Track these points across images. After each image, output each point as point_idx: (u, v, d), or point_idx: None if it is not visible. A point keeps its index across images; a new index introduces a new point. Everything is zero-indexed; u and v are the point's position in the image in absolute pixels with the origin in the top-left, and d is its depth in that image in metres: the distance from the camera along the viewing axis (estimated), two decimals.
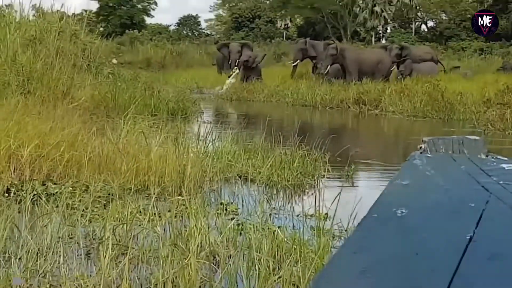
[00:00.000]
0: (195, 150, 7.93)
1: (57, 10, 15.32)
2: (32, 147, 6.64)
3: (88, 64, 13.97)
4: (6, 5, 16.16)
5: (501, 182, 1.77)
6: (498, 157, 2.14)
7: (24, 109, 7.89)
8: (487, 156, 2.15)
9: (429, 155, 2.16)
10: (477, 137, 2.22)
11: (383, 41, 71.60)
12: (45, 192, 6.03)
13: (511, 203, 1.60)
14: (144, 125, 8.89)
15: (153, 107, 14.39)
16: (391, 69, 27.23)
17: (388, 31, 78.34)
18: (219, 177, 7.55)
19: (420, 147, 2.22)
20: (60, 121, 7.84)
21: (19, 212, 5.38)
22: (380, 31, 77.00)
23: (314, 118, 20.09)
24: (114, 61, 18.30)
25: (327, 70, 25.43)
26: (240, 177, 7.81)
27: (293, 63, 30.56)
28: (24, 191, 5.84)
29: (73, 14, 16.88)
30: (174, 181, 6.86)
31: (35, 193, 5.88)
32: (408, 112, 18.79)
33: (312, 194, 7.61)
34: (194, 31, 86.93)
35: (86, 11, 18.46)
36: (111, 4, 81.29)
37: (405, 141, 14.55)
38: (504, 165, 2.00)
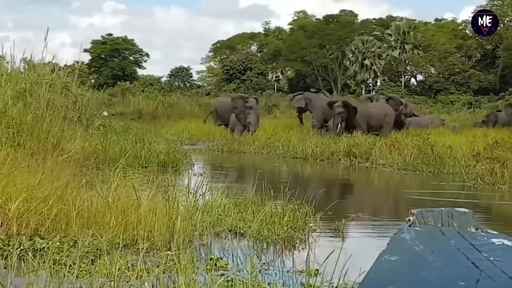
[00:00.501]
0: (185, 203, 7.89)
1: (49, 62, 15.32)
2: (20, 201, 6.57)
3: (79, 116, 13.98)
4: None
5: (491, 259, 1.75)
6: (488, 231, 2.12)
7: (13, 162, 7.82)
8: (476, 229, 2.13)
9: (418, 229, 2.13)
10: (466, 210, 2.20)
11: (373, 94, 72.19)
12: (32, 247, 5.94)
13: (502, 282, 1.57)
14: (134, 177, 8.84)
15: (144, 159, 14.38)
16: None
17: (378, 84, 79.08)
18: (209, 232, 7.50)
19: (409, 220, 2.20)
20: (49, 174, 7.79)
21: (5, 268, 5.29)
22: (370, 84, 77.72)
23: (305, 170, 20.07)
24: (105, 113, 18.32)
25: (338, 129, 25.40)
26: (230, 231, 7.77)
27: (297, 115, 31.35)
28: (11, 246, 5.76)
29: (64, 65, 16.94)
30: (163, 235, 6.80)
31: (22, 248, 5.79)
32: (398, 165, 18.81)
33: (302, 248, 7.56)
34: (185, 82, 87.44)
35: (78, 62, 18.49)
36: (103, 56, 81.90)
37: (396, 195, 14.54)
38: (494, 240, 1.98)
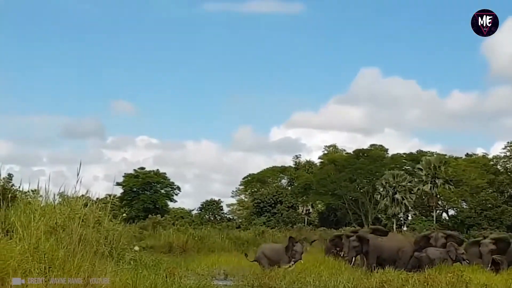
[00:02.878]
0: None
1: (82, 196, 15.55)
2: None
3: (110, 251, 14.01)
4: (32, 191, 16.46)
5: None
6: None
7: None
8: None
9: None
10: None
11: (404, 228, 71.57)
12: None
13: None
14: None
15: None
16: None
17: (409, 218, 78.56)
18: None
19: None
20: None
21: None
22: (402, 218, 77.22)
23: None
24: (136, 248, 18.32)
25: (352, 262, 25.24)
26: None
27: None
28: None
29: (97, 199, 17.17)
30: None
31: None
32: None
33: None
34: (216, 215, 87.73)
35: (110, 195, 18.75)
36: (135, 189, 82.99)
37: None
38: None
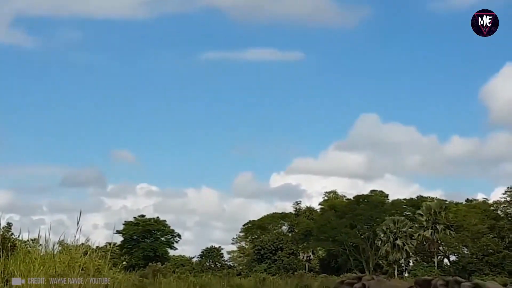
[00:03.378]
0: None
1: (82, 244, 15.59)
2: None
3: None
4: (32, 240, 16.50)
5: None
6: None
7: None
8: None
9: None
10: None
11: (406, 274, 71.13)
12: None
13: None
14: None
15: None
16: None
17: (411, 264, 78.10)
18: None
19: None
20: None
21: None
22: (403, 264, 76.77)
23: None
24: None
25: None
26: None
27: None
28: None
29: (97, 247, 17.20)
30: None
31: None
32: None
33: None
34: (216, 262, 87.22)
35: (110, 244, 18.83)
36: (135, 237, 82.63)
37: None
38: None
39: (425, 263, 73.77)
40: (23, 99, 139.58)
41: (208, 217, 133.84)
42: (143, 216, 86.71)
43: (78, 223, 13.71)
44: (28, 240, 16.61)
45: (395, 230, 73.31)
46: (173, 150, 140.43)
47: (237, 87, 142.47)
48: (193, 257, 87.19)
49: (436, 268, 70.03)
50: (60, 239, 15.81)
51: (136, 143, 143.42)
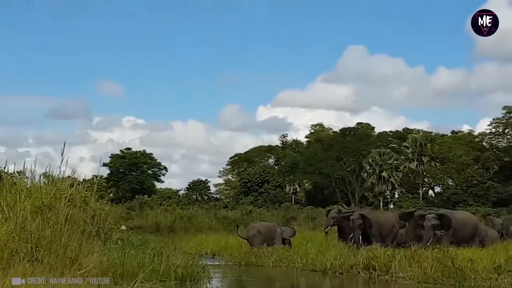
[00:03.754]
0: None
1: (68, 176, 15.48)
2: None
3: (97, 230, 14.00)
4: (18, 172, 16.38)
5: None
6: None
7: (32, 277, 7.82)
8: None
9: None
10: None
11: (391, 206, 71.97)
12: None
13: None
14: None
15: (162, 273, 14.24)
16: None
17: (396, 196, 78.95)
18: None
19: None
20: None
21: None
22: (388, 196, 77.59)
23: (324, 285, 19.77)
24: (123, 227, 18.31)
25: (360, 242, 25.18)
26: None
27: (325, 229, 30.60)
28: None
29: (83, 180, 17.11)
30: None
31: None
32: (419, 278, 18.47)
33: None
34: (203, 195, 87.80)
35: (96, 176, 18.72)
36: (121, 170, 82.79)
37: None
38: None
39: (410, 195, 74.55)
40: (5, 25, 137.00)
41: (194, 150, 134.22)
42: (129, 149, 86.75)
43: (62, 155, 13.53)
44: (14, 172, 16.49)
45: (381, 163, 73.78)
46: (159, 82, 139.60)
47: (222, 16, 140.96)
48: (179, 190, 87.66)
49: (421, 199, 70.81)
50: (46, 171, 15.69)
51: (122, 74, 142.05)
